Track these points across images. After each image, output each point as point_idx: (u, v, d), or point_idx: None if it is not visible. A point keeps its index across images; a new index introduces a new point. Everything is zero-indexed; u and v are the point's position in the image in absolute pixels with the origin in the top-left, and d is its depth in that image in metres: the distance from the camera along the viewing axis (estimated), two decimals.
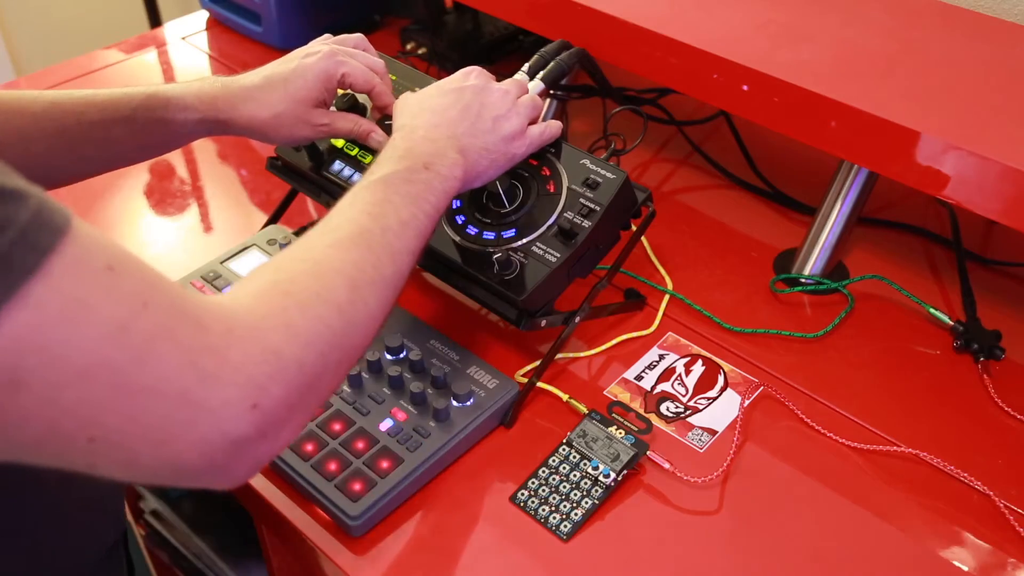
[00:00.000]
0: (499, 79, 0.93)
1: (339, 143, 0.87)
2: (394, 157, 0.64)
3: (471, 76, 0.75)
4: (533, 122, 0.76)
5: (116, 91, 0.73)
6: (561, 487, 0.71)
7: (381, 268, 0.56)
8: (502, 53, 1.25)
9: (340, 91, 0.90)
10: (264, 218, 0.97)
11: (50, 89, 0.73)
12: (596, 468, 0.71)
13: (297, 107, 0.75)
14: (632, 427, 0.74)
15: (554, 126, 0.78)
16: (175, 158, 1.09)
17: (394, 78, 0.90)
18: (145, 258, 0.45)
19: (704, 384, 0.81)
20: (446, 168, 0.65)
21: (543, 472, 0.72)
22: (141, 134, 0.74)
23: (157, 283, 0.43)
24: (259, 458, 0.47)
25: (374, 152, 0.85)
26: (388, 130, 0.83)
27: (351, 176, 0.84)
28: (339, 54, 0.77)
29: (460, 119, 0.70)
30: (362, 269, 0.55)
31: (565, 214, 0.75)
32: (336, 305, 0.51)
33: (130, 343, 0.41)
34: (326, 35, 0.83)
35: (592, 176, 0.76)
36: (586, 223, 0.74)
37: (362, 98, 0.88)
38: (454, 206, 0.79)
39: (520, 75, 0.92)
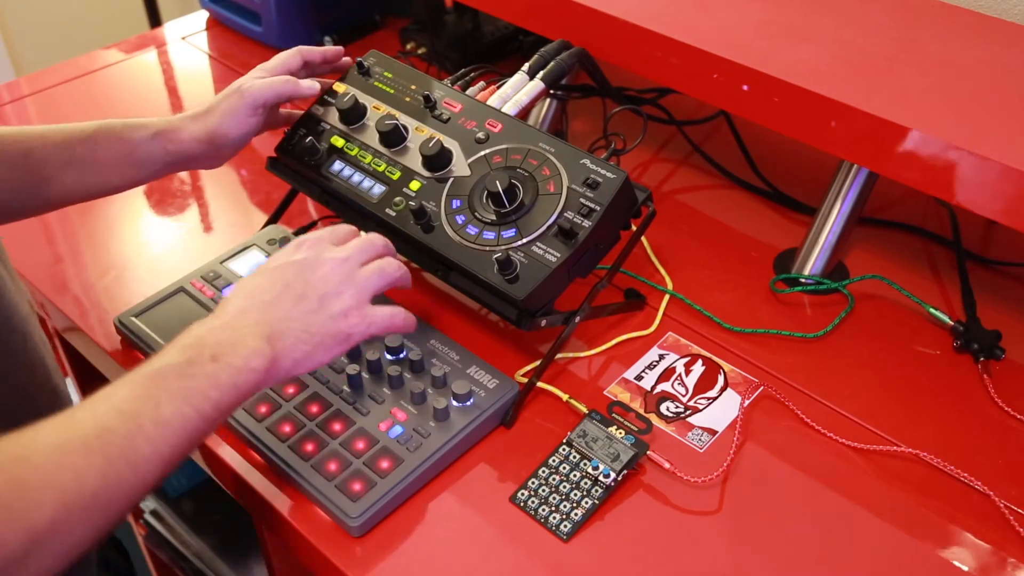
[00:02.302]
0: (499, 79, 0.94)
1: (339, 143, 0.87)
2: (177, 347, 0.57)
3: (302, 248, 0.67)
4: (383, 296, 0.69)
5: (82, 122, 0.78)
6: (561, 487, 0.71)
7: (111, 481, 0.49)
8: (502, 53, 1.25)
9: (340, 89, 0.90)
10: (264, 218, 0.97)
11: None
12: (596, 468, 0.71)
13: (237, 112, 0.81)
14: (632, 427, 0.75)
15: (406, 318, 0.69)
16: None
17: (392, 77, 0.90)
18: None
19: (704, 384, 0.81)
20: (240, 359, 0.57)
21: (543, 472, 0.72)
22: (102, 152, 0.76)
23: None
24: None
25: (371, 149, 0.85)
26: (388, 132, 0.84)
27: (351, 176, 0.84)
28: (245, 83, 0.82)
29: (276, 302, 0.62)
30: (83, 482, 0.47)
31: (565, 214, 0.76)
32: (30, 527, 0.44)
33: None
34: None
35: (592, 176, 0.76)
36: (586, 223, 0.74)
37: (363, 99, 0.88)
38: (454, 205, 0.79)
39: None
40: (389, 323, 0.68)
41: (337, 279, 0.65)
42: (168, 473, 0.53)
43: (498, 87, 0.92)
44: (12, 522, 0.43)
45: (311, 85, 0.85)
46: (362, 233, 0.73)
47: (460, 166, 0.81)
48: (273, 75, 0.84)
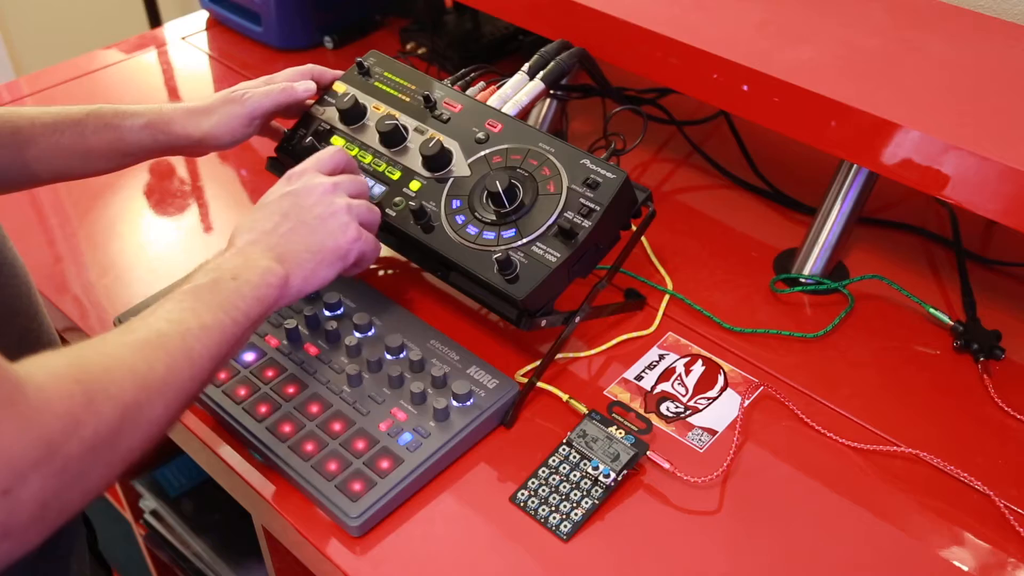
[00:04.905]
0: (499, 79, 0.94)
1: (339, 143, 0.87)
2: (202, 272, 0.63)
3: (292, 180, 0.73)
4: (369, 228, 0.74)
5: (73, 106, 0.79)
6: (561, 487, 0.71)
7: (176, 371, 0.54)
8: (502, 53, 1.25)
9: (340, 89, 0.90)
10: None
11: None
12: (596, 468, 0.71)
13: (233, 119, 0.82)
14: (632, 427, 0.75)
15: (376, 249, 0.75)
16: (175, 158, 1.09)
17: (392, 77, 0.90)
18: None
19: (704, 384, 0.81)
20: (256, 276, 0.64)
21: (543, 472, 0.72)
22: (91, 137, 0.77)
23: None
24: None
25: (371, 149, 0.85)
26: (388, 133, 0.84)
27: None
28: (247, 93, 0.83)
29: (275, 228, 0.69)
30: (154, 369, 0.52)
31: (565, 214, 0.76)
32: (121, 404, 0.48)
33: None
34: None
35: (592, 176, 0.76)
36: (586, 223, 0.74)
37: (363, 99, 0.88)
38: (454, 206, 0.79)
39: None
40: (377, 246, 0.75)
41: (329, 202, 0.71)
42: (219, 369, 0.60)
43: (498, 87, 0.92)
44: (107, 400, 0.48)
45: (307, 87, 0.86)
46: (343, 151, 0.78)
47: (460, 166, 0.81)
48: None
